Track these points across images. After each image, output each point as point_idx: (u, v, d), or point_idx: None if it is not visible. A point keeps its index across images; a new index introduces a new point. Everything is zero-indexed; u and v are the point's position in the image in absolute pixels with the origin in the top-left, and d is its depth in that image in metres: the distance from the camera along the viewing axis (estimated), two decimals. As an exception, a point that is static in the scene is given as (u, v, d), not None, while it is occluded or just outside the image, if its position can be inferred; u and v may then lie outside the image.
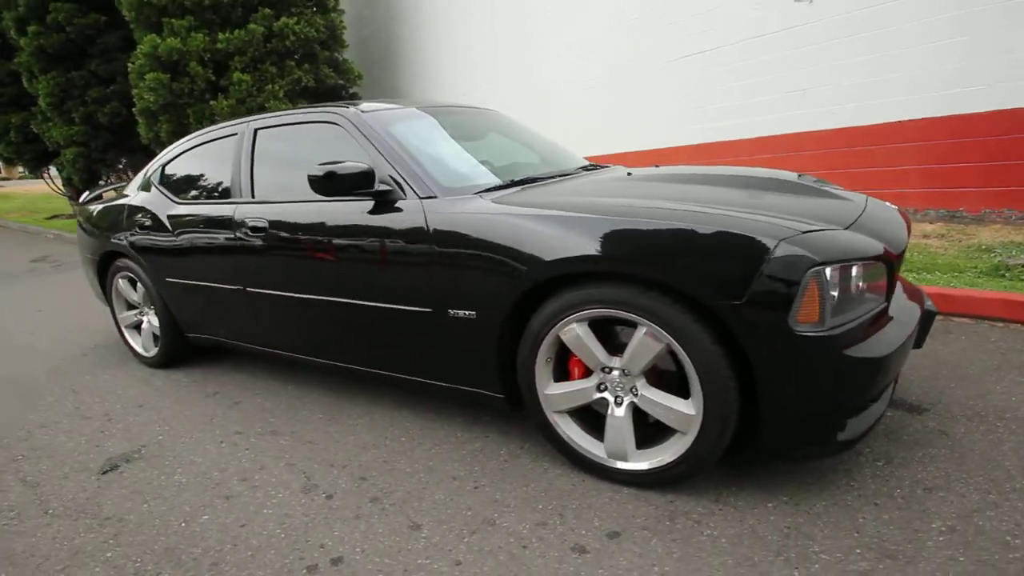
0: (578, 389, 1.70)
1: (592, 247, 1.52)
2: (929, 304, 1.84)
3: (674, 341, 1.46)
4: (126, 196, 3.08)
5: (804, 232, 1.38)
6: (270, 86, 8.46)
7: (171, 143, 10.63)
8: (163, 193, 2.84)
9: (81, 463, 2.15)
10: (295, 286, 2.24)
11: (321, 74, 9.17)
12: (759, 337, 1.36)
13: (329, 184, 1.89)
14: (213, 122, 8.75)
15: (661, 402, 1.55)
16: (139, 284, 3.01)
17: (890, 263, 1.52)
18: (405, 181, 1.95)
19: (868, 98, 4.61)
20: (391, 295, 1.96)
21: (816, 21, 4.81)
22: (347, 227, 2.04)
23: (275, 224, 2.24)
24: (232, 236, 2.41)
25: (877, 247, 1.48)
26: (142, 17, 8.19)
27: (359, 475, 1.87)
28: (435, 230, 1.81)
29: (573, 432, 1.74)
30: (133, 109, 8.81)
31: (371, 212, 1.99)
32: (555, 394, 1.73)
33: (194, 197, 2.70)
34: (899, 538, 1.38)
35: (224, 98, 8.32)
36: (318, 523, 1.64)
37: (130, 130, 11.65)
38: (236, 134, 2.56)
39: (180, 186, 2.81)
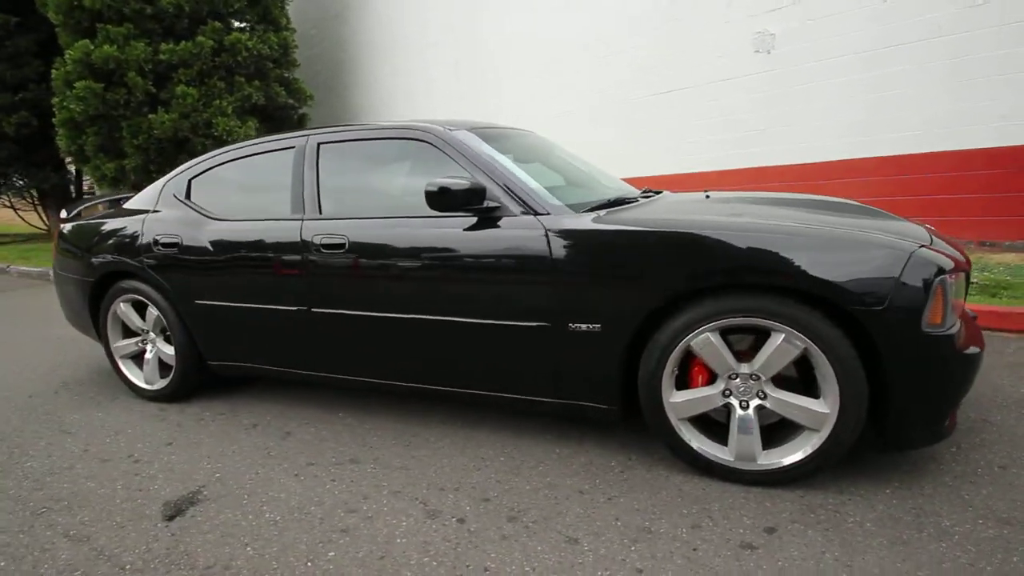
0: (704, 396, 1.79)
1: (736, 260, 1.64)
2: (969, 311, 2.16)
3: (813, 345, 1.60)
4: (134, 212, 2.78)
5: (922, 246, 1.60)
6: (218, 101, 7.96)
7: (97, 157, 9.64)
8: (194, 208, 2.61)
9: (133, 510, 1.87)
10: (379, 305, 2.15)
11: (272, 92, 8.79)
12: (895, 338, 1.54)
13: (442, 199, 1.87)
14: (150, 137, 8.06)
15: (795, 403, 1.68)
16: (150, 308, 2.71)
17: (968, 274, 1.79)
18: (515, 198, 1.97)
19: (804, 140, 5.26)
20: (502, 311, 1.95)
21: (771, 71, 5.45)
22: (448, 243, 2.01)
23: (358, 241, 2.15)
24: (299, 253, 2.27)
25: (962, 259, 1.74)
26: (71, 21, 7.42)
27: (480, 497, 1.81)
28: (557, 246, 1.85)
29: (696, 438, 1.82)
30: (53, 119, 7.87)
31: (473, 228, 1.99)
32: (679, 402, 1.81)
33: (238, 213, 2.50)
34: (1005, 507, 1.59)
35: (165, 111, 7.68)
36: (466, 547, 1.57)
37: (40, 142, 10.37)
38: (294, 147, 2.44)
39: (216, 201, 2.59)
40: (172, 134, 7.75)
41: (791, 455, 1.71)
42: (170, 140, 7.84)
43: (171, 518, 1.82)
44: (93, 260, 2.81)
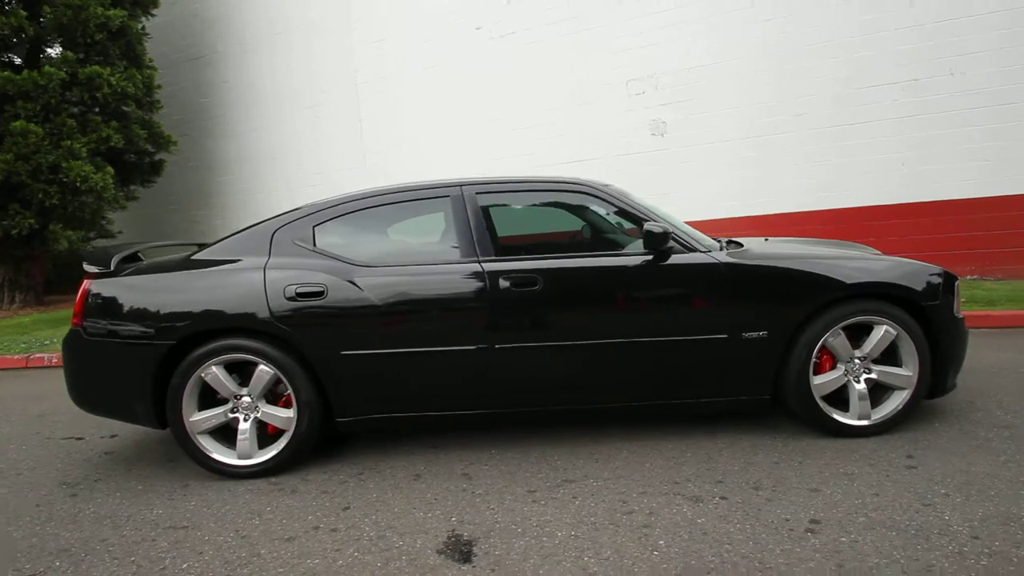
0: (835, 378, 2.49)
1: (864, 276, 2.42)
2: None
3: (903, 331, 2.44)
4: (223, 262, 2.47)
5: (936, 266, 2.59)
6: (68, 142, 6.59)
7: None
8: (332, 256, 2.46)
9: (422, 566, 1.76)
10: (570, 334, 2.40)
11: (132, 134, 7.61)
12: (943, 322, 2.46)
13: (655, 238, 2.31)
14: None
15: (894, 372, 2.48)
16: (261, 368, 2.40)
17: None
18: (681, 239, 2.48)
19: (695, 201, 6.81)
20: (689, 328, 2.41)
21: (664, 149, 6.95)
22: (639, 275, 2.42)
23: (553, 278, 2.39)
24: (482, 293, 2.38)
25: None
26: None
27: (714, 479, 2.19)
28: (732, 275, 2.41)
29: (832, 410, 2.49)
30: None
31: (652, 262, 2.43)
32: (819, 384, 2.47)
33: (386, 258, 2.46)
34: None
35: (-4, 150, 6.08)
36: (756, 512, 1.93)
37: None
38: (448, 196, 2.55)
39: (352, 248, 2.50)
40: (3, 178, 6.14)
41: (889, 408, 2.49)
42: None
43: (466, 559, 1.78)
44: (174, 319, 2.38)
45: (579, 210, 2.64)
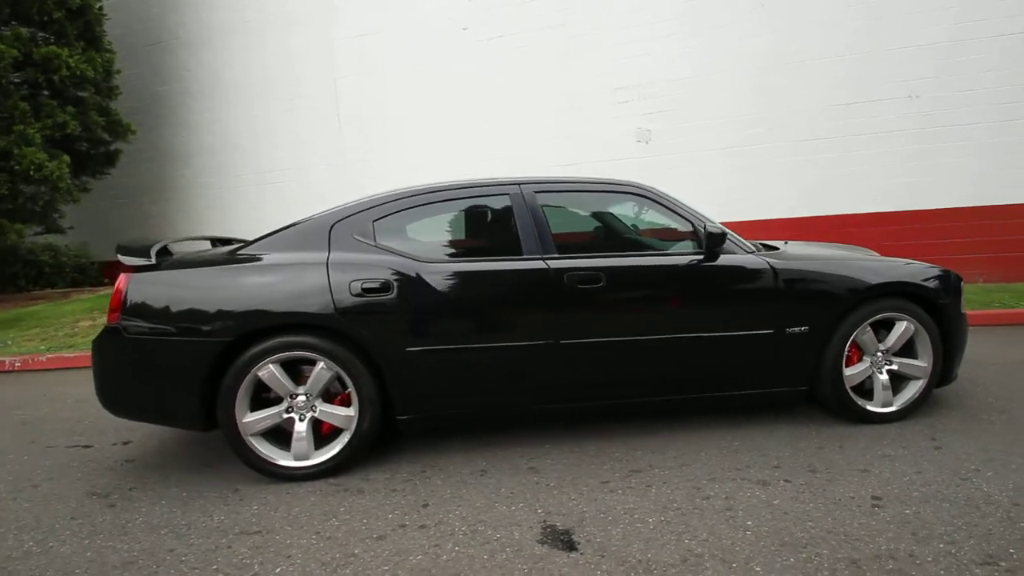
0: (862, 369, 2.70)
1: (891, 276, 2.65)
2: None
3: (920, 326, 2.69)
4: (290, 256, 2.39)
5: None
6: (20, 127, 6.02)
7: None
8: (394, 252, 2.42)
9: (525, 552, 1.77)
10: (631, 329, 2.49)
11: (90, 121, 7.06)
12: (952, 317, 2.74)
13: (714, 239, 2.44)
14: None
15: (912, 363, 2.73)
16: (319, 367, 2.33)
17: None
18: (735, 241, 2.64)
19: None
20: (740, 324, 2.56)
21: (648, 156, 7.22)
22: (696, 274, 2.55)
23: (615, 276, 2.47)
24: (548, 289, 2.42)
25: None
26: None
27: (770, 465, 2.34)
28: (778, 275, 2.58)
29: (859, 400, 2.71)
30: None
31: (700, 262, 2.57)
32: (850, 375, 2.68)
33: (448, 254, 2.45)
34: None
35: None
36: (822, 491, 2.09)
37: None
38: (508, 194, 2.57)
39: (413, 243, 2.47)
40: (-56, 164, 5.54)
41: (907, 396, 2.74)
42: (-60, 172, 5.58)
43: (571, 547, 1.82)
44: (231, 315, 2.26)
45: (631, 209, 2.74)
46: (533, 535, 1.92)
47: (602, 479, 2.30)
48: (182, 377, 2.30)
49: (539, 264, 2.48)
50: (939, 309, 2.73)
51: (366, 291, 2.35)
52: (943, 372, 2.79)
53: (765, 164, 6.82)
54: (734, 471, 2.32)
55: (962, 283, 2.84)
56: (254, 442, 2.36)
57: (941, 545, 1.76)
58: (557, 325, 2.46)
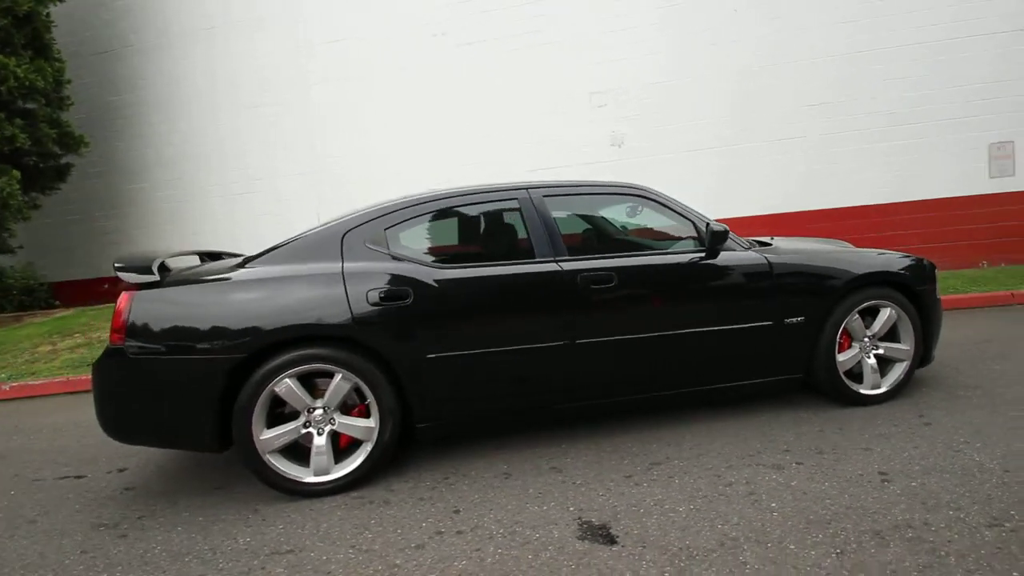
0: (853, 355, 2.88)
1: (876, 266, 2.83)
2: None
3: (903, 312, 2.88)
4: (302, 267, 2.34)
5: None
6: (-36, 141, 5.64)
7: None
8: (408, 259, 2.41)
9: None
10: (643, 327, 2.56)
11: (40, 134, 6.67)
12: (930, 302, 2.95)
13: (718, 237, 2.55)
14: None
15: (896, 347, 2.92)
16: (337, 379, 2.29)
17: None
18: (735, 238, 2.76)
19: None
20: (743, 316, 2.67)
21: (622, 159, 7.40)
22: (703, 271, 2.66)
23: (625, 275, 2.54)
24: (563, 291, 2.47)
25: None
26: None
27: (781, 449, 2.45)
28: (775, 269, 2.72)
29: (853, 385, 2.87)
30: None
31: (704, 259, 2.68)
32: (842, 360, 2.85)
33: (462, 259, 2.46)
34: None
35: None
36: (831, 470, 2.21)
37: None
38: (516, 199, 2.61)
39: (425, 250, 2.47)
40: None
41: (893, 378, 2.93)
42: None
43: (611, 541, 1.86)
44: (246, 330, 2.20)
45: (646, 213, 2.83)
46: (571, 532, 1.95)
47: (625, 473, 2.36)
48: (194, 397, 2.22)
49: (552, 266, 2.52)
50: (918, 295, 2.94)
51: (384, 299, 2.34)
52: (923, 354, 3.00)
53: (738, 164, 7.11)
54: (748, 458, 2.42)
55: (936, 270, 3.07)
56: (272, 460, 2.29)
57: (950, 512, 1.90)
58: (573, 325, 2.51)
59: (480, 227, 2.74)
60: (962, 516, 1.87)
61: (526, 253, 2.57)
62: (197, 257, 3.12)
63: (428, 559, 1.85)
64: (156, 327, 2.22)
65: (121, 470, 2.81)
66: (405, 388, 2.38)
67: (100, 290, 9.36)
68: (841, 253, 2.92)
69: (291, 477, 2.30)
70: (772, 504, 2.03)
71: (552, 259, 2.55)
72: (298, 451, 2.39)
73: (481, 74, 7.81)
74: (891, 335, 2.98)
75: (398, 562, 1.85)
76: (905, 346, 2.94)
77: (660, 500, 2.12)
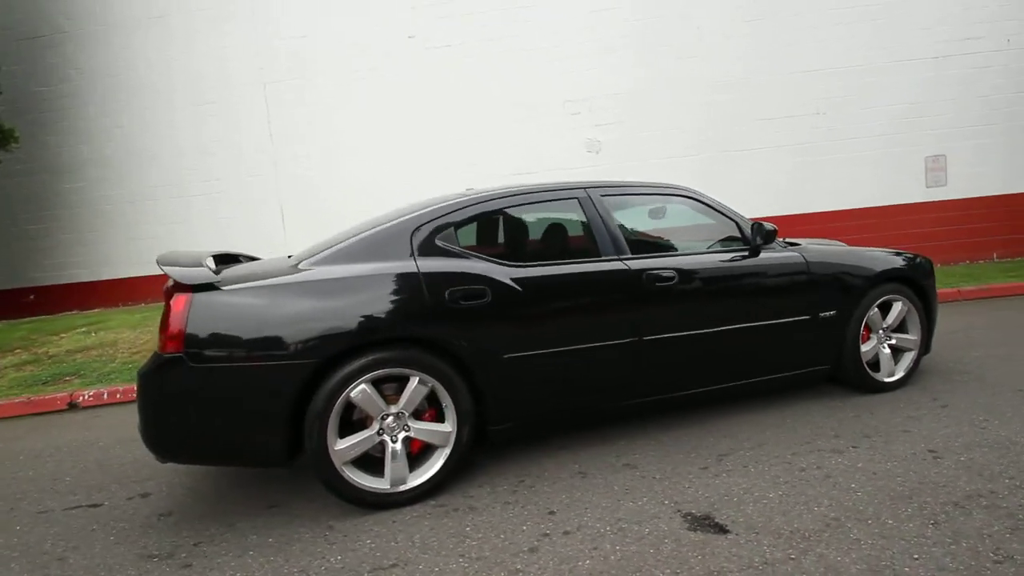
0: (872, 346, 3.12)
1: (892, 264, 3.10)
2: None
3: (912, 305, 3.16)
4: (370, 266, 2.21)
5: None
6: None
7: None
8: (482, 257, 2.34)
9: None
10: (701, 323, 2.65)
11: (-37, 126, 5.89)
12: (932, 294, 3.26)
13: (771, 235, 2.69)
14: None
15: (907, 337, 3.19)
16: (413, 383, 2.18)
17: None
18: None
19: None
20: (782, 312, 2.83)
21: (599, 165, 7.59)
22: (755, 269, 2.81)
23: (683, 273, 2.61)
24: (631, 289, 2.50)
25: (905, 262, 3.67)
26: None
27: (832, 435, 2.60)
28: (812, 267, 2.91)
29: (873, 374, 3.11)
30: None
31: (746, 257, 2.83)
32: (865, 351, 3.08)
33: (534, 258, 2.43)
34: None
35: None
36: (883, 455, 2.38)
37: None
38: (577, 198, 2.61)
39: (500, 248, 2.43)
40: None
41: (905, 366, 3.20)
42: None
43: (722, 530, 1.90)
44: (323, 334, 2.05)
45: (680, 212, 2.92)
46: (679, 524, 1.98)
47: (700, 465, 2.42)
48: (267, 407, 2.04)
49: (619, 265, 2.56)
50: (923, 290, 3.24)
51: (463, 299, 2.26)
52: (927, 342, 3.31)
53: (705, 171, 7.50)
54: (806, 444, 2.56)
55: (934, 266, 3.40)
56: (347, 473, 2.15)
57: (1007, 480, 2.10)
58: (639, 323, 2.55)
59: (543, 225, 2.73)
60: (1018, 484, 2.08)
61: (589, 252, 2.59)
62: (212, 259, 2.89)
63: (549, 561, 1.81)
64: (222, 332, 2.02)
65: (144, 495, 2.52)
66: (483, 390, 2.32)
67: (25, 301, 8.38)
68: (862, 252, 3.17)
69: (369, 489, 2.17)
70: (851, 485, 2.16)
71: (617, 258, 2.58)
72: (365, 461, 2.26)
73: (455, 78, 7.76)
74: (900, 327, 3.27)
75: (519, 567, 1.79)
76: (913, 336, 3.23)
77: (747, 488, 2.19)
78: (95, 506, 2.46)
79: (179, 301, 2.03)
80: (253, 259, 2.87)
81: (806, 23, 7.30)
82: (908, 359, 3.23)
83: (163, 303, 2.16)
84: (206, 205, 8.10)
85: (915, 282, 3.21)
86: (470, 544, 1.94)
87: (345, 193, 7.86)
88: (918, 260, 3.29)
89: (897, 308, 3.17)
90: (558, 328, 2.44)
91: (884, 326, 3.18)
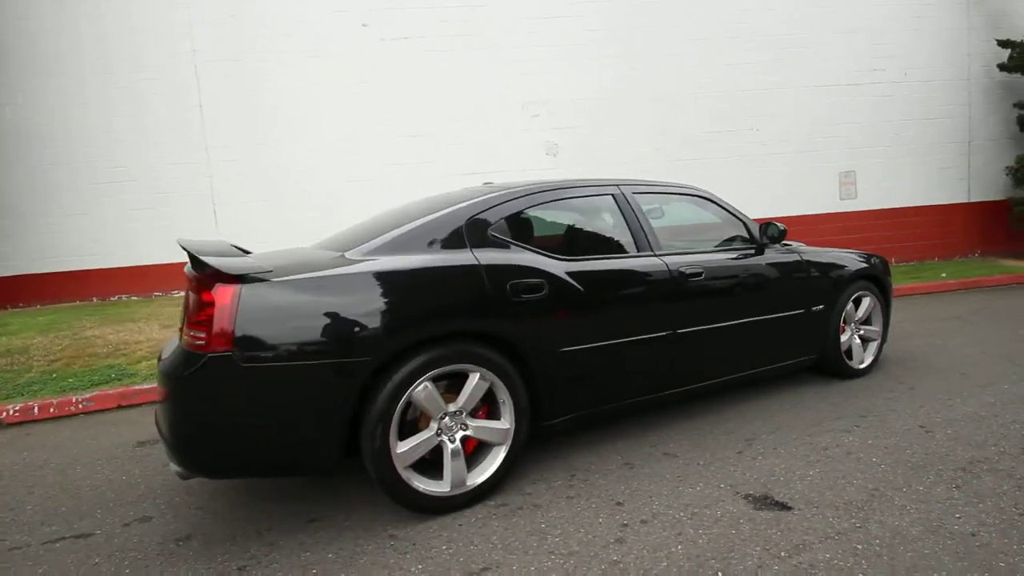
0: (848, 336, 3.47)
1: (865, 262, 3.46)
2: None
3: (877, 299, 3.56)
4: (426, 257, 2.08)
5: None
6: None
7: None
8: (535, 249, 2.28)
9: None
10: (723, 316, 2.80)
11: None
12: (888, 288, 3.69)
13: (781, 235, 2.91)
14: None
15: (872, 328, 3.58)
16: (473, 380, 2.09)
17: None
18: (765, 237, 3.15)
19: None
20: (785, 306, 3.07)
21: (557, 167, 7.73)
22: (763, 267, 3.01)
23: (712, 270, 2.75)
24: (669, 283, 2.58)
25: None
26: None
27: (859, 414, 2.85)
28: (807, 264, 3.17)
29: (851, 361, 3.46)
30: None
31: (754, 255, 3.04)
32: (843, 341, 3.41)
33: (579, 252, 2.43)
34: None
35: None
36: (884, 445, 2.65)
37: None
38: (612, 194, 2.65)
39: (546, 241, 2.38)
40: None
41: (871, 354, 3.60)
42: None
43: (785, 507, 2.01)
44: (386, 329, 1.89)
45: (695, 211, 3.07)
46: (745, 505, 2.07)
47: (734, 450, 2.55)
48: (328, 409, 1.86)
49: (656, 260, 2.63)
50: (884, 286, 3.66)
51: (523, 291, 2.21)
52: (886, 331, 3.75)
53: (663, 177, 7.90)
54: (816, 426, 2.79)
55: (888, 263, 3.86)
56: (407, 477, 2.01)
57: (993, 447, 2.43)
58: (675, 316, 2.64)
59: (583, 220, 2.74)
60: (1005, 449, 2.41)
61: (627, 247, 2.65)
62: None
63: (644, 549, 1.82)
64: (276, 328, 1.81)
65: (143, 519, 2.18)
66: (539, 384, 2.28)
67: None
68: (839, 252, 3.51)
69: (431, 493, 2.04)
70: (873, 459, 2.39)
71: (653, 253, 2.66)
72: (419, 463, 2.13)
73: (409, 72, 7.57)
74: (867, 320, 3.67)
75: (615, 558, 1.78)
76: (877, 327, 3.64)
77: (786, 469, 2.35)
78: (84, 536, 2.09)
79: (224, 293, 1.79)
80: (245, 251, 2.60)
81: (743, 46, 7.96)
82: (873, 347, 3.63)
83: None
84: (114, 198, 7.21)
85: (879, 279, 3.63)
86: (553, 541, 1.90)
87: (278, 184, 7.38)
88: (878, 260, 3.72)
89: (866, 303, 3.56)
90: (607, 322, 2.46)
91: (856, 319, 3.56)
